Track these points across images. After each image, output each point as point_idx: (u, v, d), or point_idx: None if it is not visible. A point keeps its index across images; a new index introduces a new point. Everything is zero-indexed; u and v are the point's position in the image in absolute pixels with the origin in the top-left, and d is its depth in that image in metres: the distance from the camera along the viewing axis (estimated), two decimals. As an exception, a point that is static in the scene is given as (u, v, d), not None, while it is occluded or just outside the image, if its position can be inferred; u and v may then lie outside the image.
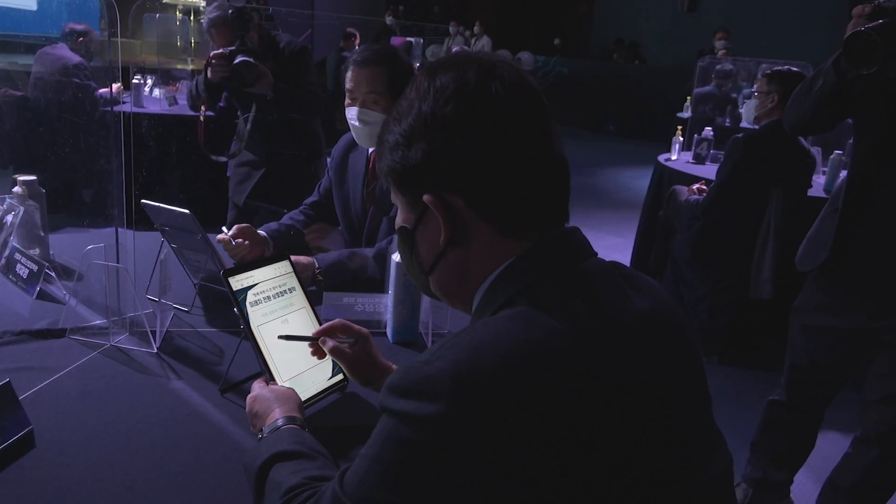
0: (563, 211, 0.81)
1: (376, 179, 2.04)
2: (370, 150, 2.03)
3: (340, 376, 1.29)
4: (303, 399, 1.16)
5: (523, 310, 0.72)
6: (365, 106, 1.89)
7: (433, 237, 0.80)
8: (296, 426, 1.03)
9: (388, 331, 1.58)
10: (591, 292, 0.74)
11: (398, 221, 0.85)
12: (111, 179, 1.43)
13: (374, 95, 1.87)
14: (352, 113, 1.92)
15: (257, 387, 1.15)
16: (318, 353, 1.20)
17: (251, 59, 2.58)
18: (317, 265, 1.77)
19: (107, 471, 1.05)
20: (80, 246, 1.49)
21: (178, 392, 1.29)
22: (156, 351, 1.43)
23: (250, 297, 1.21)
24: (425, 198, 0.77)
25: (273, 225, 2.00)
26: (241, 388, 1.30)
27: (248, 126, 2.72)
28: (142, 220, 1.56)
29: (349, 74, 1.90)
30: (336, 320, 1.20)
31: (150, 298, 1.63)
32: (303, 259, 1.77)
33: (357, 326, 1.20)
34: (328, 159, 2.16)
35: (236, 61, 2.58)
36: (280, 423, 1.03)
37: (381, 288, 1.72)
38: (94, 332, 1.49)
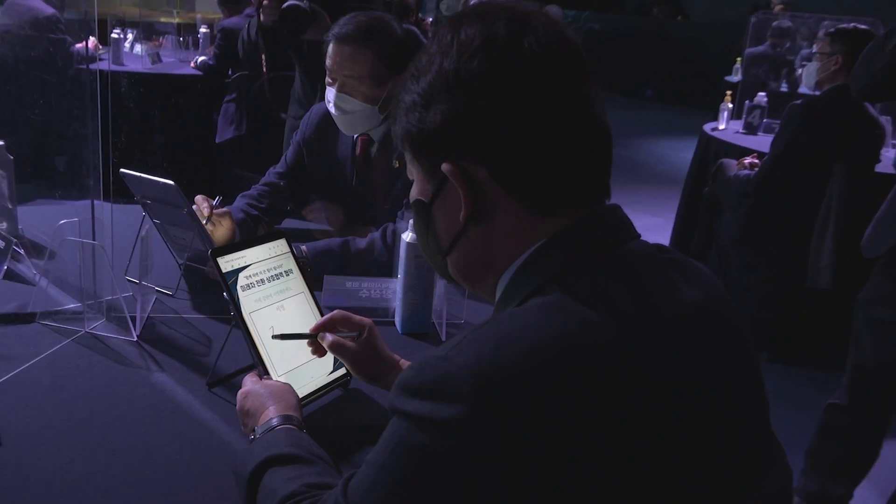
0: (604, 186, 0.80)
1: (367, 166, 2.02)
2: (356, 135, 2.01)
3: (343, 371, 1.29)
4: (301, 396, 1.16)
5: (555, 299, 0.71)
6: (343, 91, 1.87)
7: (452, 213, 0.79)
8: (292, 426, 1.03)
9: (397, 320, 1.58)
10: (634, 280, 0.73)
11: (413, 194, 0.85)
12: (86, 145, 1.42)
13: (353, 81, 1.84)
14: (330, 95, 1.90)
15: (249, 381, 1.15)
16: (318, 351, 1.20)
17: (302, 3, 2.53)
18: (295, 252, 1.77)
19: (80, 473, 1.05)
20: (53, 220, 1.49)
21: (161, 385, 1.29)
22: (136, 339, 1.44)
23: (242, 280, 1.21)
24: (444, 167, 0.77)
25: (239, 215, 1.96)
26: (232, 383, 1.29)
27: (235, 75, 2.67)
28: (121, 192, 1.55)
29: (329, 49, 1.86)
30: (334, 312, 1.20)
31: (129, 280, 1.63)
32: None
33: (358, 317, 1.20)
34: (300, 130, 2.13)
35: (285, 5, 2.52)
36: (275, 422, 1.04)
37: (389, 271, 1.72)
38: (66, 317, 1.49)
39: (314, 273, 1.70)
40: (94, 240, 1.46)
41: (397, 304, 1.58)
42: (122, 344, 1.43)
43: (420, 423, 0.66)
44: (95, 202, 1.46)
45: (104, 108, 1.42)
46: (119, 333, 1.46)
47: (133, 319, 1.45)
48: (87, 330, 1.46)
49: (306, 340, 1.20)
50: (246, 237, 1.84)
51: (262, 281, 1.25)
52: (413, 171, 0.84)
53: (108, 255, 1.47)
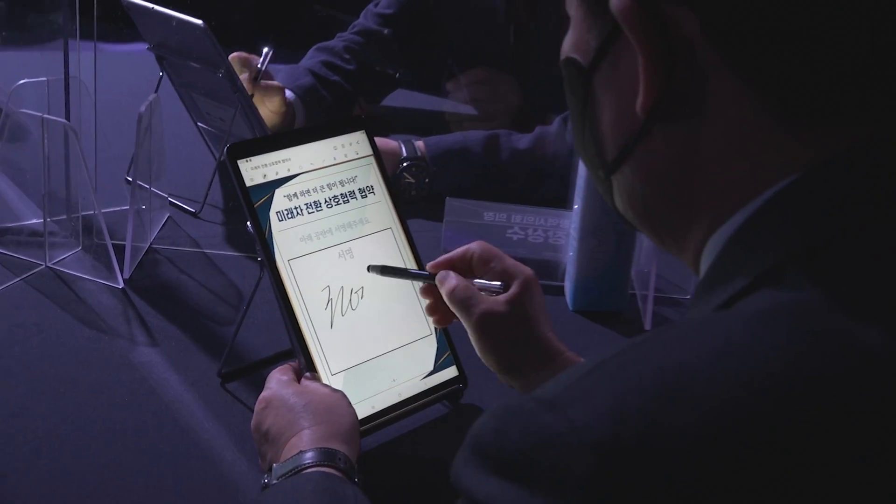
0: None
1: (533, 15, 2.03)
2: None
3: (452, 371, 1.27)
4: (364, 415, 1.17)
5: (797, 301, 0.62)
6: None
7: (626, 92, 0.74)
8: (334, 471, 1.02)
9: (567, 287, 1.56)
10: None
11: (565, 48, 0.81)
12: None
13: None
14: None
15: (277, 381, 1.14)
16: (439, 312, 1.23)
17: None
18: (404, 153, 1.76)
19: (17, 499, 1.08)
20: (5, 78, 1.51)
21: (147, 369, 1.30)
22: (122, 286, 1.44)
23: (280, 201, 1.20)
24: (615, 3, 0.72)
25: (304, 79, 1.98)
26: (258, 376, 1.27)
27: None
28: (118, 33, 1.61)
29: None
30: (474, 243, 1.22)
31: (128, 181, 1.63)
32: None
33: (512, 260, 1.23)
34: None
35: None
36: (307, 459, 1.03)
37: (565, 197, 1.67)
38: (21, 240, 1.53)
39: (433, 189, 1.69)
40: (67, 116, 1.47)
41: (570, 258, 1.54)
42: (99, 292, 1.44)
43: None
44: (70, 45, 1.46)
45: None
46: (97, 274, 1.47)
47: (121, 253, 1.46)
48: (48, 264, 1.49)
49: (420, 289, 1.23)
50: (312, 117, 1.89)
51: (317, 205, 1.23)
52: (570, 9, 0.81)
53: (88, 142, 1.48)
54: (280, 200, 1.19)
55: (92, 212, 1.51)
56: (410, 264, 1.28)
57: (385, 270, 1.21)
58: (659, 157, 0.76)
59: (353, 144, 1.27)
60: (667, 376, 0.60)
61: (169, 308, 1.42)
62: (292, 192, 1.21)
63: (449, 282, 1.18)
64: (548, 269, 1.59)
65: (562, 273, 1.59)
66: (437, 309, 1.22)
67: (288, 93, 1.92)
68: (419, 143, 1.77)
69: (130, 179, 1.65)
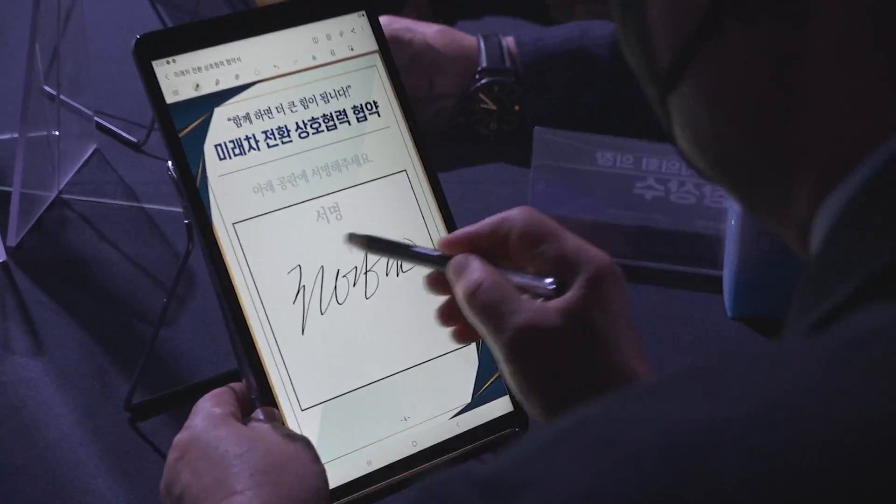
0: None
1: None
2: None
3: (504, 404, 1.27)
4: (354, 475, 1.18)
5: None
6: None
7: None
8: None
9: (726, 281, 1.61)
10: None
11: None
12: None
13: None
14: None
15: (205, 417, 1.15)
16: (456, 321, 1.20)
17: None
18: (484, 61, 1.80)
19: None
20: None
21: (22, 393, 1.36)
22: (3, 258, 1.48)
23: (221, 128, 1.20)
24: None
25: None
26: (188, 410, 1.26)
27: None
28: None
29: None
30: (514, 211, 1.20)
31: (48, 92, 1.64)
32: (430, 34, 1.79)
33: (575, 240, 1.19)
34: None
35: None
36: None
37: None
38: None
39: (526, 121, 1.70)
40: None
41: (728, 235, 1.61)
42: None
43: None
44: None
45: None
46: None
47: (7, 204, 1.49)
48: None
49: (426, 279, 1.22)
50: None
51: (283, 133, 1.23)
52: None
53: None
54: (222, 126, 1.19)
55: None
56: (437, 230, 1.27)
57: (373, 244, 1.17)
58: (733, 72, 0.77)
59: (346, 34, 1.27)
60: (675, 448, 0.57)
61: (72, 296, 1.44)
62: (242, 113, 1.20)
63: (469, 274, 1.14)
64: (702, 249, 1.65)
65: (720, 259, 1.62)
66: (451, 315, 1.18)
67: None
68: (509, 41, 1.77)
69: (49, 88, 1.67)
